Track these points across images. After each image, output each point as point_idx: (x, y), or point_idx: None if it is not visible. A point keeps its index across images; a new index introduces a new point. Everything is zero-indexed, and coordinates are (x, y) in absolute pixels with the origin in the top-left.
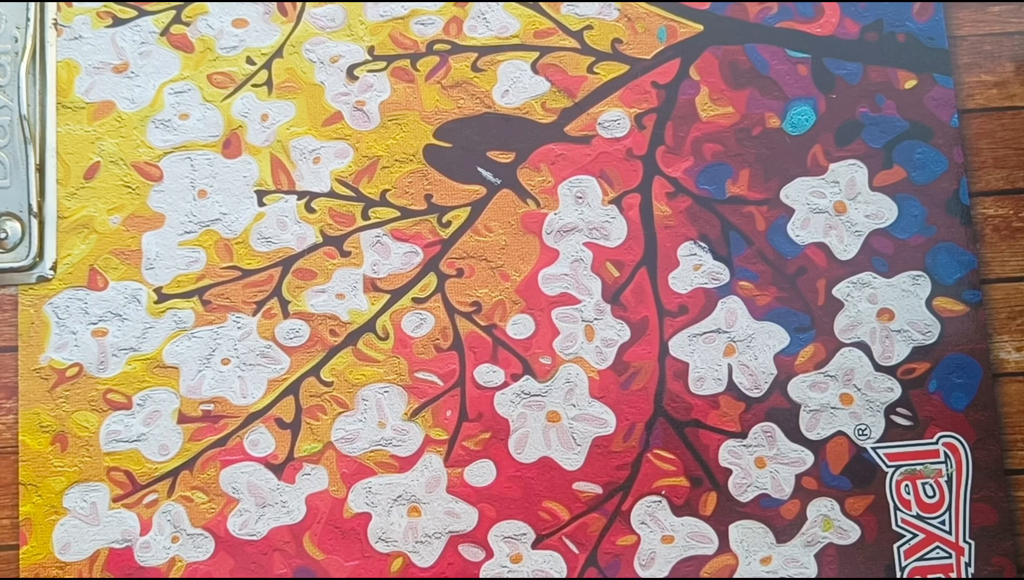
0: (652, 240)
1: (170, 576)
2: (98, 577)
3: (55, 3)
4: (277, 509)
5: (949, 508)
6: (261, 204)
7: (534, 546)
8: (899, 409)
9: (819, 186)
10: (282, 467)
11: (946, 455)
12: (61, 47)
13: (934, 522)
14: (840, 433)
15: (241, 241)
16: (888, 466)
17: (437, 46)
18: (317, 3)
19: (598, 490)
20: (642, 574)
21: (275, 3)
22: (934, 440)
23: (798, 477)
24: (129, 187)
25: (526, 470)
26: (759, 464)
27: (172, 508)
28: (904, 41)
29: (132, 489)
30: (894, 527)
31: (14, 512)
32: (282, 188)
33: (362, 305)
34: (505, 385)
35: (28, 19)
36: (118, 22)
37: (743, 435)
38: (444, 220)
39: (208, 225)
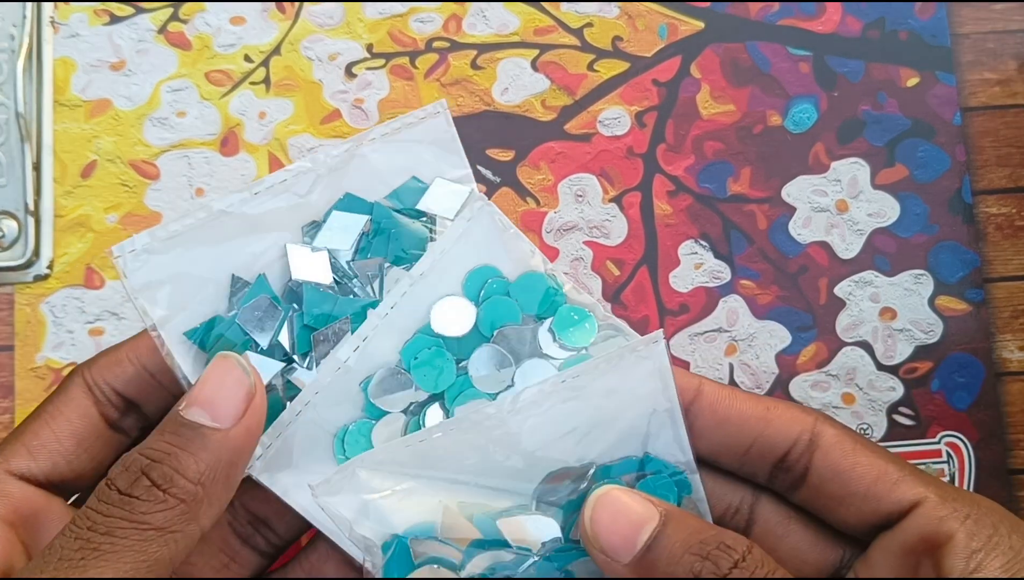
0: (653, 239)
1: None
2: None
3: (52, 1)
4: None
5: None
6: None
7: None
8: (901, 408)
9: (821, 184)
10: None
11: (949, 455)
12: (58, 45)
13: None
14: None
15: None
16: None
17: (436, 43)
18: (315, 1)
19: None
20: None
21: (273, 1)
22: (936, 440)
23: None
24: (126, 185)
25: None
26: None
27: None
28: (906, 39)
29: None
30: None
31: None
32: None
33: None
34: None
35: (24, 16)
36: (115, 20)
37: None
38: None
39: None
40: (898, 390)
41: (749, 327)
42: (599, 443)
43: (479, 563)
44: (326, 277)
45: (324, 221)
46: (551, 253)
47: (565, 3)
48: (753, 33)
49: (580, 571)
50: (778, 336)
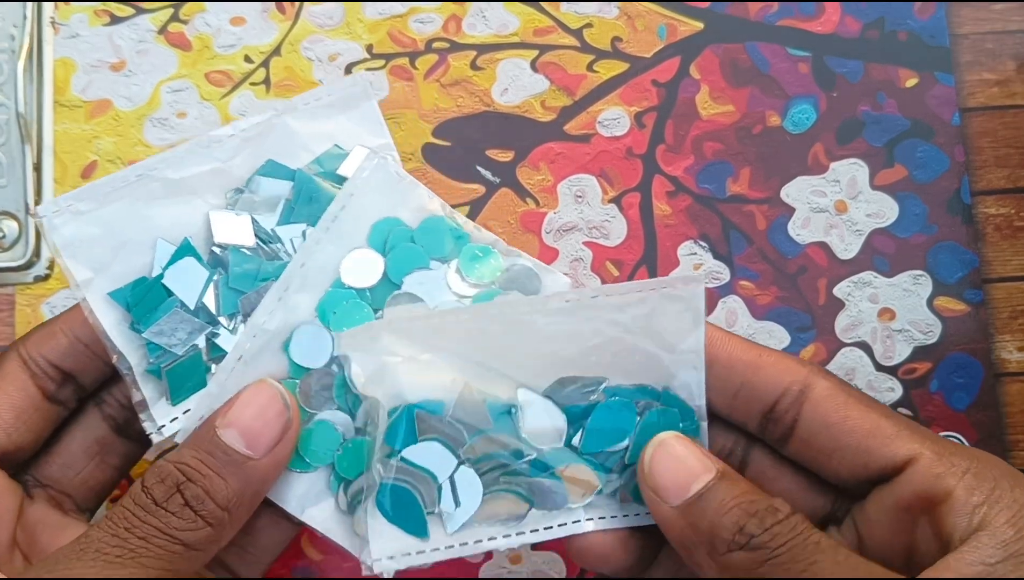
0: (652, 239)
1: None
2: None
3: (52, 2)
4: None
5: None
6: None
7: (534, 547)
8: (900, 409)
9: (820, 185)
10: None
11: None
12: (58, 45)
13: None
14: None
15: None
16: None
17: (436, 44)
18: (315, 1)
19: None
20: (644, 574)
21: (273, 1)
22: None
23: None
24: None
25: None
26: None
27: None
28: (905, 39)
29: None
30: None
31: None
32: None
33: None
34: None
35: (25, 17)
36: (115, 20)
37: None
38: None
39: None
40: (897, 391)
41: (748, 328)
42: (618, 362)
43: (479, 447)
44: (248, 240)
45: (247, 187)
46: (551, 254)
47: (565, 3)
48: (752, 33)
49: (568, 469)
50: (777, 337)
